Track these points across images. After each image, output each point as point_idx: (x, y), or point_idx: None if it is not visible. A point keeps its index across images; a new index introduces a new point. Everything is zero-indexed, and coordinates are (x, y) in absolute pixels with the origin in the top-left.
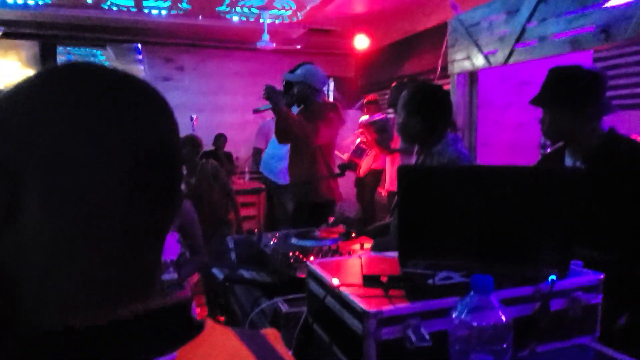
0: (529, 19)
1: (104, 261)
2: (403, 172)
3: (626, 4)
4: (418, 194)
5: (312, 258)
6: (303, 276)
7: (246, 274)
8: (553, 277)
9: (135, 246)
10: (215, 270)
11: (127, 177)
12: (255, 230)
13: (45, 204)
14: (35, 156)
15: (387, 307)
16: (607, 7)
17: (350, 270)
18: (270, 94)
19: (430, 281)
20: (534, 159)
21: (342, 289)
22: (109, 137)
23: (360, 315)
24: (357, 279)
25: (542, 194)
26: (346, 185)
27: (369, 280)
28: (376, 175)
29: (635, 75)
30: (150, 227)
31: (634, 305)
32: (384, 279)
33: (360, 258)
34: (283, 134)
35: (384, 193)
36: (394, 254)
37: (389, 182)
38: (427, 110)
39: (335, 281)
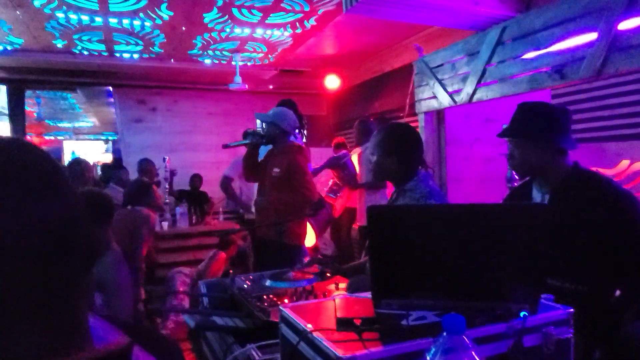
0: (488, 61)
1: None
2: (372, 213)
3: (577, 47)
4: (388, 233)
5: (286, 301)
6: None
7: (219, 320)
8: (525, 312)
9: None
10: (186, 318)
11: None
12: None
13: None
14: None
15: (360, 352)
16: (560, 49)
17: (324, 313)
18: None
19: (404, 322)
20: (502, 192)
21: (316, 333)
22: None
23: None
24: (330, 322)
25: (509, 230)
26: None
27: (343, 324)
28: (351, 213)
29: (590, 110)
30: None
31: (606, 338)
32: (357, 322)
33: (334, 300)
34: (250, 172)
35: (356, 227)
36: (368, 294)
37: (360, 216)
38: (402, 150)
39: (308, 326)
